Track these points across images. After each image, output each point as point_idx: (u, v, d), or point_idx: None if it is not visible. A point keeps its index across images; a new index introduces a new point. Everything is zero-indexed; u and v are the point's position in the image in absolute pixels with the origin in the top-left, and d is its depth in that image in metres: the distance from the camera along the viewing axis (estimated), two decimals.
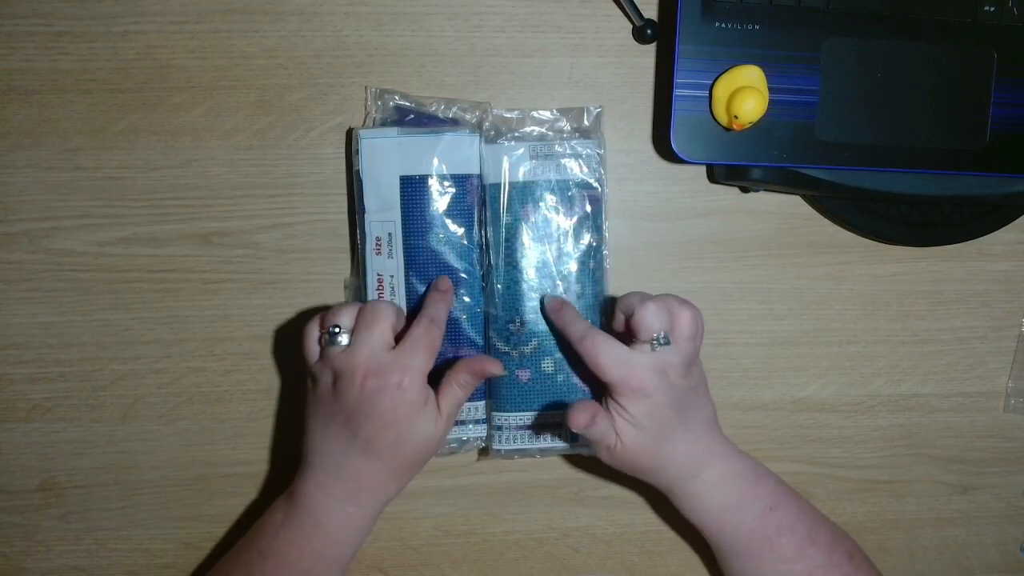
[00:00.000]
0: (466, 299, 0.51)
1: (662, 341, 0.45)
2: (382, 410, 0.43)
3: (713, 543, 0.50)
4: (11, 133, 0.51)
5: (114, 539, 0.55)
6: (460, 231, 0.51)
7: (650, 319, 0.45)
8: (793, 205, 0.55)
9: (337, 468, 0.45)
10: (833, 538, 0.49)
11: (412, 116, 0.51)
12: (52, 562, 0.55)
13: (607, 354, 0.45)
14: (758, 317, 0.56)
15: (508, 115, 0.52)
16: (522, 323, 0.51)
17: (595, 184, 0.51)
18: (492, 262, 0.51)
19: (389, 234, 0.51)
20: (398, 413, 0.44)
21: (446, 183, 0.50)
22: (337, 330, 0.45)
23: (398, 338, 0.46)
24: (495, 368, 0.47)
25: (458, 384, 0.46)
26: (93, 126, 0.52)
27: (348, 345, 0.45)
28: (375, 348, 0.44)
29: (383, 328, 0.45)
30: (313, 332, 0.47)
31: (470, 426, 0.53)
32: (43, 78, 0.51)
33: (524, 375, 0.52)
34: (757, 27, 0.48)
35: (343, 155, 0.53)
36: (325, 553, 0.46)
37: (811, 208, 0.55)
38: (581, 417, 0.44)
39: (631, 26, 0.53)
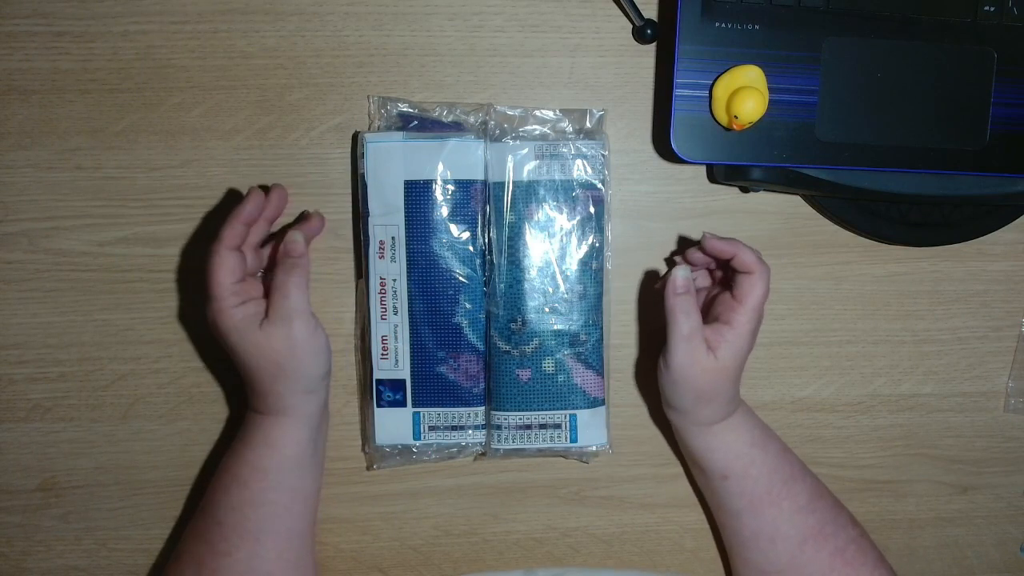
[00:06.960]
0: (467, 305, 0.51)
1: None
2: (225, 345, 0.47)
3: (735, 492, 0.50)
4: (11, 133, 0.51)
5: (114, 539, 0.55)
6: (463, 236, 0.51)
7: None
8: (793, 205, 0.55)
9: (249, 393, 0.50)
10: (834, 501, 0.51)
11: (416, 123, 0.51)
12: (52, 562, 0.55)
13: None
14: None
15: (511, 112, 0.52)
16: (523, 322, 0.51)
17: (599, 185, 0.51)
18: (495, 261, 0.51)
19: (392, 238, 0.51)
20: (228, 342, 0.46)
21: (450, 188, 0.50)
22: None
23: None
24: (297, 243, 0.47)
25: (286, 282, 0.46)
26: (93, 126, 0.52)
27: None
28: None
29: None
30: None
31: (469, 432, 0.53)
32: (43, 78, 0.51)
33: (524, 375, 0.52)
34: (757, 27, 0.48)
35: (343, 155, 0.53)
36: (276, 455, 0.49)
37: (811, 208, 0.55)
38: (685, 273, 0.46)
39: (631, 26, 0.53)
